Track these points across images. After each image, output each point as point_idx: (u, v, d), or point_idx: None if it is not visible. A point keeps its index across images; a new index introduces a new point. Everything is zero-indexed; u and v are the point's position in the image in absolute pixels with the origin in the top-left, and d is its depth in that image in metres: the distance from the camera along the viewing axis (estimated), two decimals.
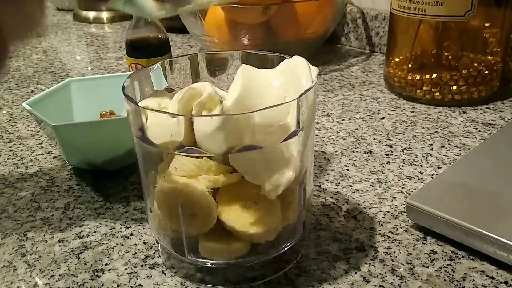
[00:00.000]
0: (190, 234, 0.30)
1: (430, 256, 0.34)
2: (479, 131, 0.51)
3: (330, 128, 0.53)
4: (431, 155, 0.46)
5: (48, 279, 0.33)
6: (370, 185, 0.42)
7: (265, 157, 0.28)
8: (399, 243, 0.35)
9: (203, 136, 0.27)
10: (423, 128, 0.52)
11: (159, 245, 0.34)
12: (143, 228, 0.37)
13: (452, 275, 0.32)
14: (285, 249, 0.32)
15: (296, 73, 0.30)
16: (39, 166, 0.47)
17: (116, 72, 0.73)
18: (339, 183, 0.42)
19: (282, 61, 0.33)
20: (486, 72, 0.55)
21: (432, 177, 0.43)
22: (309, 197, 0.33)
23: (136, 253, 0.35)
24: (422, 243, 0.35)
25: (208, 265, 0.31)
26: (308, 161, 0.31)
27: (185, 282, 0.32)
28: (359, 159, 0.46)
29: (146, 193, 0.32)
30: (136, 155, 0.31)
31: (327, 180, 0.43)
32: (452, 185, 0.38)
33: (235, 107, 0.28)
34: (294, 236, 0.32)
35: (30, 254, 0.35)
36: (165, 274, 0.33)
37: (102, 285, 0.32)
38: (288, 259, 0.33)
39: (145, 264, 0.34)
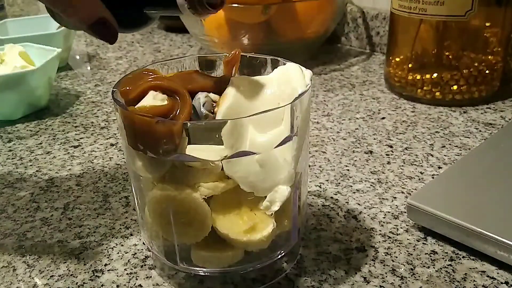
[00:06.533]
0: (183, 243, 0.30)
1: (430, 256, 0.33)
2: (480, 131, 0.50)
3: (331, 128, 0.52)
4: (431, 155, 0.46)
5: (48, 279, 0.33)
6: (371, 185, 0.42)
7: (259, 163, 0.27)
8: (399, 243, 0.35)
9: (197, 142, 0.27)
10: (424, 128, 0.52)
11: (151, 252, 0.34)
12: None
13: (453, 276, 0.32)
14: (279, 256, 0.31)
15: (289, 79, 0.29)
16: (38, 166, 0.47)
17: (116, 70, 0.73)
18: (339, 183, 0.42)
19: (276, 63, 0.32)
20: (487, 71, 0.55)
21: (433, 177, 0.42)
22: (303, 203, 0.32)
23: (135, 253, 0.35)
24: (423, 243, 0.35)
25: (201, 273, 0.31)
26: (302, 166, 0.30)
27: (184, 283, 0.32)
28: (360, 159, 0.46)
29: (136, 200, 0.31)
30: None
31: (327, 180, 0.43)
32: (452, 185, 0.38)
33: (227, 113, 0.28)
34: (289, 243, 0.31)
35: (30, 255, 0.35)
36: (163, 277, 0.33)
37: (102, 285, 0.32)
38: (288, 260, 0.33)
39: (145, 265, 0.34)
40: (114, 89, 0.29)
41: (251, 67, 0.33)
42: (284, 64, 0.32)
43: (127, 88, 0.29)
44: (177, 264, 0.30)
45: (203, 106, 0.29)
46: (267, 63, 0.33)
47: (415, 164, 0.45)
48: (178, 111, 0.28)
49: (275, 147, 0.27)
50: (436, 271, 0.32)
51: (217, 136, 0.26)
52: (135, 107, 0.28)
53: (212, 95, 0.30)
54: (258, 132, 0.27)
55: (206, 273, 0.31)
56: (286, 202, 0.28)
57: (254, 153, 0.27)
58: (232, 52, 0.32)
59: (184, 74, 0.32)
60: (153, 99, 0.28)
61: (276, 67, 0.32)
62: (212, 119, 0.28)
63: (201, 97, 0.29)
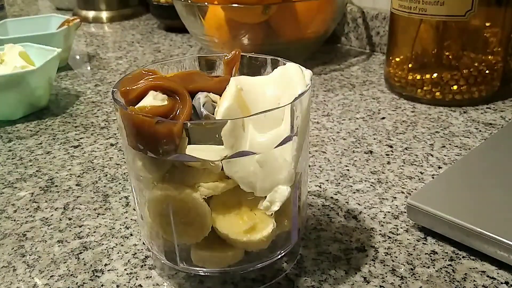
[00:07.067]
0: (183, 243, 0.30)
1: (430, 256, 0.33)
2: (480, 131, 0.50)
3: (331, 128, 0.52)
4: (431, 155, 0.46)
5: (48, 279, 0.33)
6: (371, 185, 0.42)
7: (259, 163, 0.27)
8: (399, 243, 0.35)
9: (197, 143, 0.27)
10: (424, 128, 0.52)
11: (151, 252, 0.34)
12: None
13: (453, 276, 0.32)
14: (279, 256, 0.31)
15: (289, 80, 0.29)
16: (38, 166, 0.47)
17: (116, 70, 0.73)
18: (339, 183, 0.42)
19: (276, 63, 0.32)
20: (487, 71, 0.55)
21: (433, 177, 0.42)
22: (303, 203, 0.32)
23: (135, 253, 0.35)
24: (423, 243, 0.35)
25: (201, 273, 0.31)
26: (302, 166, 0.30)
27: (184, 283, 0.32)
28: (360, 159, 0.46)
29: (136, 200, 0.31)
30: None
31: (327, 180, 0.43)
32: (452, 185, 0.38)
33: (227, 114, 0.28)
34: (289, 243, 0.31)
35: (30, 255, 0.35)
36: (163, 276, 0.33)
37: (102, 285, 0.32)
38: (287, 260, 0.33)
39: (145, 265, 0.34)
40: (114, 89, 0.29)
41: (251, 67, 0.33)
42: (284, 64, 0.32)
43: (127, 88, 0.29)
44: (177, 264, 0.30)
45: (203, 106, 0.29)
46: (267, 63, 0.33)
47: (415, 164, 0.45)
48: (178, 111, 0.28)
49: (275, 147, 0.27)
50: (436, 271, 0.32)
51: (217, 136, 0.26)
52: (135, 107, 0.28)
53: (212, 95, 0.30)
54: (258, 132, 0.27)
55: (206, 273, 0.31)
56: (286, 202, 0.28)
57: (254, 153, 0.27)
58: (232, 52, 0.32)
59: (184, 74, 0.32)
60: (153, 99, 0.28)
61: (276, 67, 0.32)
62: (212, 119, 0.28)
63: (201, 97, 0.29)
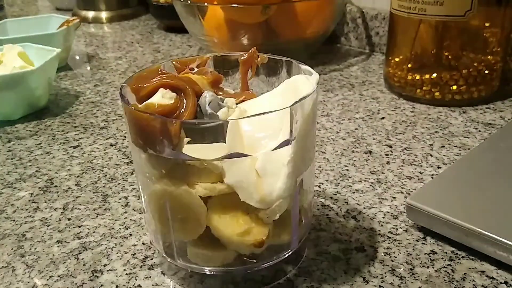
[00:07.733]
0: (180, 239, 0.30)
1: (430, 256, 0.33)
2: (479, 131, 0.50)
3: (330, 128, 0.52)
4: (431, 155, 0.46)
5: (47, 280, 0.33)
6: (370, 185, 0.42)
7: (255, 165, 0.27)
8: (399, 243, 0.35)
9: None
10: (423, 128, 0.52)
11: (156, 250, 0.34)
12: (142, 229, 0.37)
13: (452, 276, 0.32)
14: (275, 261, 0.31)
15: (296, 90, 0.29)
16: (37, 167, 0.47)
17: (116, 71, 0.73)
18: (339, 183, 0.42)
19: (289, 65, 0.33)
20: (486, 72, 0.55)
21: (432, 177, 0.42)
22: (307, 212, 0.32)
23: (135, 253, 0.35)
24: (422, 243, 0.35)
25: (201, 272, 0.31)
26: (304, 172, 0.30)
27: (184, 283, 0.32)
28: (359, 159, 0.46)
29: (143, 196, 0.32)
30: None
31: (327, 180, 0.43)
32: (452, 185, 0.38)
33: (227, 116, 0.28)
34: (288, 249, 0.31)
35: (29, 255, 0.35)
36: (164, 274, 0.33)
37: (101, 286, 0.32)
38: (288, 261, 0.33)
39: (144, 265, 0.34)
40: (124, 84, 0.29)
41: (267, 68, 0.33)
42: (298, 66, 0.32)
43: (139, 85, 0.30)
44: (175, 260, 0.31)
45: (208, 104, 0.29)
46: (282, 65, 0.33)
47: (415, 164, 0.45)
48: (182, 109, 0.28)
49: (272, 150, 0.27)
50: (436, 271, 0.32)
51: (216, 136, 0.26)
52: (143, 104, 0.28)
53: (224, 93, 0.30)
54: (257, 134, 0.27)
55: (206, 272, 0.31)
56: (284, 212, 0.28)
57: (251, 155, 0.27)
58: (249, 52, 0.32)
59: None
60: (162, 97, 0.28)
61: (290, 69, 0.32)
62: (214, 119, 0.29)
63: (207, 95, 0.29)
